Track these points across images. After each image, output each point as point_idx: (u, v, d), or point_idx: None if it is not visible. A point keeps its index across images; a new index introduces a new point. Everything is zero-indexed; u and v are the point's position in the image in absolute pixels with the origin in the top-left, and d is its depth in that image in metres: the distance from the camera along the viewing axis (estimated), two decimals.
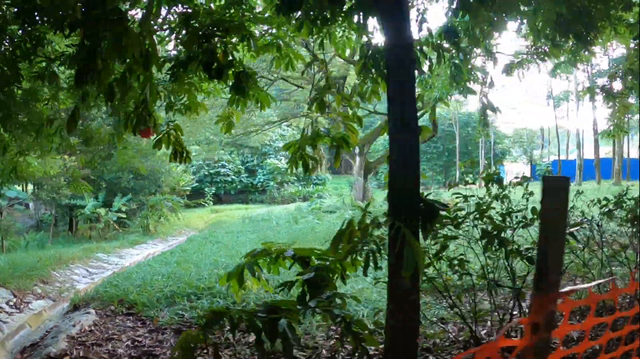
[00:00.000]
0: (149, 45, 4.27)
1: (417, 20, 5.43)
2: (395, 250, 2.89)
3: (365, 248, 3.24)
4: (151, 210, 19.48)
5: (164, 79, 5.83)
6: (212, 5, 5.39)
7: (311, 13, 4.73)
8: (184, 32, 5.04)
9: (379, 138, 43.90)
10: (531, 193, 4.78)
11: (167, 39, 5.52)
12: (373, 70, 5.09)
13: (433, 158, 41.54)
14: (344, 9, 4.78)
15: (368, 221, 3.28)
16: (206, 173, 35.72)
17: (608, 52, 20.27)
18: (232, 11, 5.26)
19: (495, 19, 6.85)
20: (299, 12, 5.06)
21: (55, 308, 8.81)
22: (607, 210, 5.13)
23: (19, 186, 19.62)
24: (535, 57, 9.53)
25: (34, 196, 19.91)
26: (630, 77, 11.68)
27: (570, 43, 9.11)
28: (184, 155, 5.71)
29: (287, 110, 31.30)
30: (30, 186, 20.43)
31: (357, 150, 26.27)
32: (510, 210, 4.13)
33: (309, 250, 3.85)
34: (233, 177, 36.67)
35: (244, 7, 5.34)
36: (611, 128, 15.24)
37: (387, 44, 3.40)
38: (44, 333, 7.18)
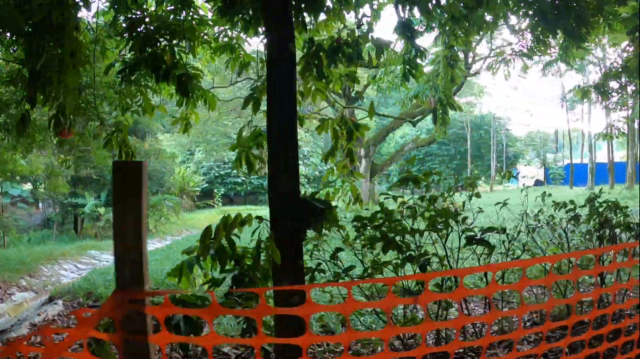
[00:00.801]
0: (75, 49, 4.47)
1: (357, 16, 5.48)
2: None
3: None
4: (152, 210, 19.81)
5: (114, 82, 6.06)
6: (158, 8, 5.58)
7: (244, 13, 4.89)
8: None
9: (390, 141, 44.06)
10: (475, 196, 4.91)
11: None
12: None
13: (445, 161, 41.30)
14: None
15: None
16: (216, 174, 36.07)
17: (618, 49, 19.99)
18: (181, 16, 5.44)
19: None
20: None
21: (37, 300, 9.10)
22: (573, 214, 5.20)
23: (25, 185, 20.14)
24: (518, 54, 9.31)
25: (31, 194, 20.39)
26: (626, 75, 11.36)
27: (561, 40, 8.95)
28: (130, 155, 5.90)
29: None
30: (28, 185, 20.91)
31: (362, 152, 26.34)
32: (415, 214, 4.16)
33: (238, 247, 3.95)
34: (243, 178, 36.97)
35: (192, 10, 5.52)
36: (607, 129, 14.96)
37: (268, 39, 3.39)
38: (17, 321, 7.48)
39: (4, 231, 15.97)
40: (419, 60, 6.93)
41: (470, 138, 39.78)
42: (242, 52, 6.13)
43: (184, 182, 30.76)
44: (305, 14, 5.00)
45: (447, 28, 7.26)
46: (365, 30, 5.21)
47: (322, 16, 5.42)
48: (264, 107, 4.48)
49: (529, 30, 8.39)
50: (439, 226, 3.98)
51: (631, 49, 10.96)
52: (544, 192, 5.65)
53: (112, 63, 5.55)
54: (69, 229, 21.02)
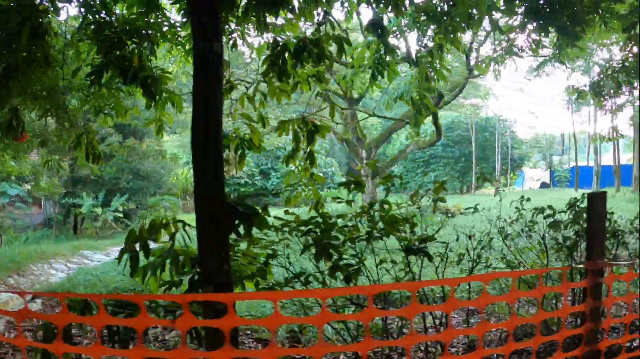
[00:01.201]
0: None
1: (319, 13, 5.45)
2: None
3: None
4: (150, 210, 19.96)
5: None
6: (127, 12, 5.61)
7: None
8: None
9: (395, 143, 43.92)
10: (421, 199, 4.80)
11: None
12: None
13: (449, 163, 41.12)
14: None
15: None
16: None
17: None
18: (151, 19, 5.48)
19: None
20: None
21: (20, 299, 9.20)
22: (552, 220, 4.93)
23: (26, 185, 20.36)
24: (509, 52, 9.07)
25: (27, 194, 20.57)
26: (623, 75, 11.05)
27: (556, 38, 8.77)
28: (97, 156, 5.96)
29: (299, 112, 31.56)
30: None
31: (364, 154, 26.30)
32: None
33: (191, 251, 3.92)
34: (247, 179, 37.08)
35: (159, 13, 5.55)
36: (602, 131, 14.69)
37: (194, 40, 3.33)
38: None
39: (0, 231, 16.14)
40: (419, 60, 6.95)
41: (475, 140, 39.57)
42: None
43: (187, 183, 30.87)
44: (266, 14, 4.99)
45: (425, 26, 7.21)
46: (328, 28, 5.18)
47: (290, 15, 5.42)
48: None
49: (518, 28, 8.23)
50: (378, 234, 3.85)
51: (629, 48, 10.70)
52: (522, 196, 5.51)
53: (78, 67, 5.59)
54: (69, 229, 21.21)
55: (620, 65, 11.03)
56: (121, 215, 20.36)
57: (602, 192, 3.11)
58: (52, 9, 5.22)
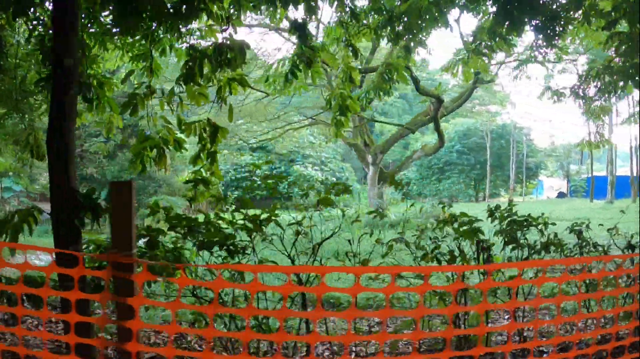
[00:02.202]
0: None
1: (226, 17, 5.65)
2: None
3: None
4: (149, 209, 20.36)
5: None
6: None
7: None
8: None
9: (412, 149, 43.82)
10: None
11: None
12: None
13: (464, 170, 40.92)
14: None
15: None
16: (232, 177, 36.69)
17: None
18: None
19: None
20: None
21: None
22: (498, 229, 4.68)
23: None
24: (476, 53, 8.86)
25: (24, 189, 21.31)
26: (606, 77, 10.61)
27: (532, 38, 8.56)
28: (39, 154, 6.35)
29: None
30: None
31: (370, 159, 26.45)
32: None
33: None
34: (259, 182, 37.47)
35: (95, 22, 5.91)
36: (589, 137, 14.29)
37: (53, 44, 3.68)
38: None
39: None
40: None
41: (490, 147, 39.32)
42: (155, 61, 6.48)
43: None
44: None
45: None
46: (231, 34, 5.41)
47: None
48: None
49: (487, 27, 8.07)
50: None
51: (613, 48, 10.28)
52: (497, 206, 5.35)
53: (25, 75, 6.03)
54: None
55: (605, 66, 10.61)
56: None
57: (127, 182, 2.94)
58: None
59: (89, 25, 5.75)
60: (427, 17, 6.92)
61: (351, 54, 6.38)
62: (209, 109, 7.38)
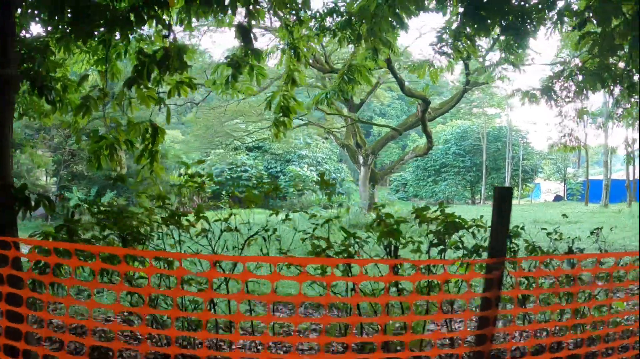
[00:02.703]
0: None
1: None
2: None
3: None
4: (137, 207, 20.55)
5: None
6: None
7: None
8: None
9: (396, 150, 43.93)
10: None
11: None
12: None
13: (460, 172, 40.95)
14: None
15: None
16: (228, 177, 36.79)
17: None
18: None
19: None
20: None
21: None
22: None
23: None
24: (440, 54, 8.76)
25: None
26: (582, 77, 10.36)
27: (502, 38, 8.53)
28: None
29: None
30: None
31: (361, 160, 26.52)
32: None
33: None
34: (255, 182, 37.58)
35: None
36: (563, 140, 14.11)
37: None
38: None
39: None
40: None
41: (486, 150, 39.34)
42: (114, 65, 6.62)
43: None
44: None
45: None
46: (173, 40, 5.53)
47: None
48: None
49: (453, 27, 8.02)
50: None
51: (587, 47, 10.07)
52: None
53: None
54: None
55: (580, 67, 10.43)
56: (109, 209, 21.08)
57: None
58: None
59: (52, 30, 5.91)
60: (382, 18, 6.96)
61: (294, 57, 6.43)
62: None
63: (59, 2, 5.01)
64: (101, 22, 5.32)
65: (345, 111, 26.47)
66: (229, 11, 5.78)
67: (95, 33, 5.67)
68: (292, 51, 6.39)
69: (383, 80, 25.13)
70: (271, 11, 5.84)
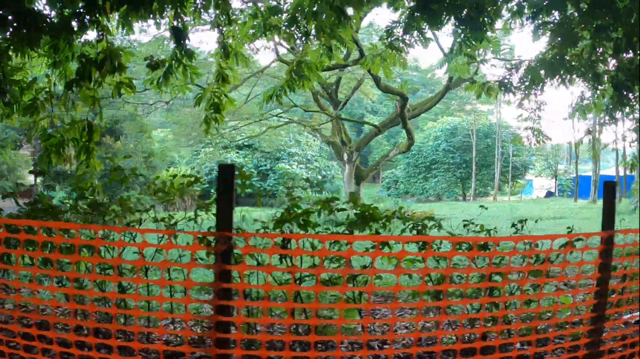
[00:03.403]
0: None
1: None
2: None
3: None
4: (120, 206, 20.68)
5: None
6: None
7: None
8: None
9: (388, 147, 43.93)
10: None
11: None
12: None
13: (451, 169, 40.99)
14: None
15: None
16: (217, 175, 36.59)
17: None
18: None
19: None
20: None
21: None
22: None
23: None
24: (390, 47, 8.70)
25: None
26: (543, 71, 10.20)
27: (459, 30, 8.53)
28: None
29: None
30: None
31: (345, 157, 26.60)
32: None
33: None
34: (244, 180, 37.46)
35: None
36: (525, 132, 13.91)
37: None
38: None
39: None
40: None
41: (476, 146, 39.40)
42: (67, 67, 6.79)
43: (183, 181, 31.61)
44: None
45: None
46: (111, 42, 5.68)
47: None
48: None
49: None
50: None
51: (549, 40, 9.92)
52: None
53: None
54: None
55: (539, 59, 10.30)
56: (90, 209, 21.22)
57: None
58: None
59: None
60: (324, 15, 7.05)
61: (224, 55, 6.52)
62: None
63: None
64: (46, 29, 5.49)
65: (330, 108, 26.58)
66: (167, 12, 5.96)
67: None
68: (222, 50, 6.48)
69: (365, 77, 25.22)
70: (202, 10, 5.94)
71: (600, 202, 26.18)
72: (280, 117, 24.35)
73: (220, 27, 6.39)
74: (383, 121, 26.40)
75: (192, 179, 5.01)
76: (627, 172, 26.92)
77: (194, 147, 37.84)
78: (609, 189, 3.51)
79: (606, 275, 3.36)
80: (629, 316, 4.50)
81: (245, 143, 37.61)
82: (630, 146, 14.62)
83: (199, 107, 6.97)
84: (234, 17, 6.80)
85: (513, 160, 41.39)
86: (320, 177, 39.15)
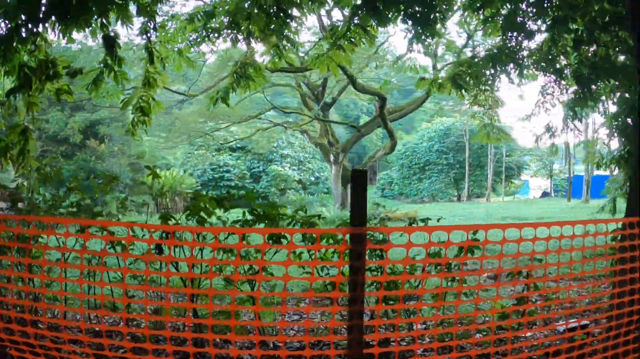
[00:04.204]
0: None
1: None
2: None
3: None
4: (104, 207, 20.81)
5: None
6: None
7: None
8: None
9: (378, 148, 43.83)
10: None
11: None
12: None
13: (444, 169, 40.86)
14: None
15: None
16: (210, 177, 36.85)
17: None
18: None
19: None
20: None
21: None
22: None
23: None
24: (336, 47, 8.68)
25: None
26: (498, 67, 10.08)
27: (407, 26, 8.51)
28: None
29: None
30: None
31: (332, 158, 26.63)
32: None
33: None
34: (237, 182, 37.62)
35: None
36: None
37: None
38: None
39: None
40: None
41: (469, 147, 39.27)
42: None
43: (175, 183, 31.70)
44: None
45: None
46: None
47: None
48: None
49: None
50: None
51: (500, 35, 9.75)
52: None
53: None
54: None
55: (488, 54, 10.20)
56: (75, 210, 21.29)
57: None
58: None
59: None
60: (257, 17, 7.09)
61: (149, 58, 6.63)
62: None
63: None
64: None
65: (315, 109, 26.59)
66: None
67: None
68: (148, 55, 6.59)
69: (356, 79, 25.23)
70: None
71: (593, 202, 26.00)
72: (259, 118, 24.35)
73: (148, 34, 6.51)
74: (365, 122, 26.40)
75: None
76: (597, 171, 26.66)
77: (183, 150, 37.99)
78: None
79: None
80: (562, 323, 4.49)
81: (238, 145, 37.65)
82: (605, 144, 14.50)
83: (128, 108, 7.10)
84: (164, 22, 7.00)
85: (506, 161, 41.22)
86: (313, 179, 39.14)
